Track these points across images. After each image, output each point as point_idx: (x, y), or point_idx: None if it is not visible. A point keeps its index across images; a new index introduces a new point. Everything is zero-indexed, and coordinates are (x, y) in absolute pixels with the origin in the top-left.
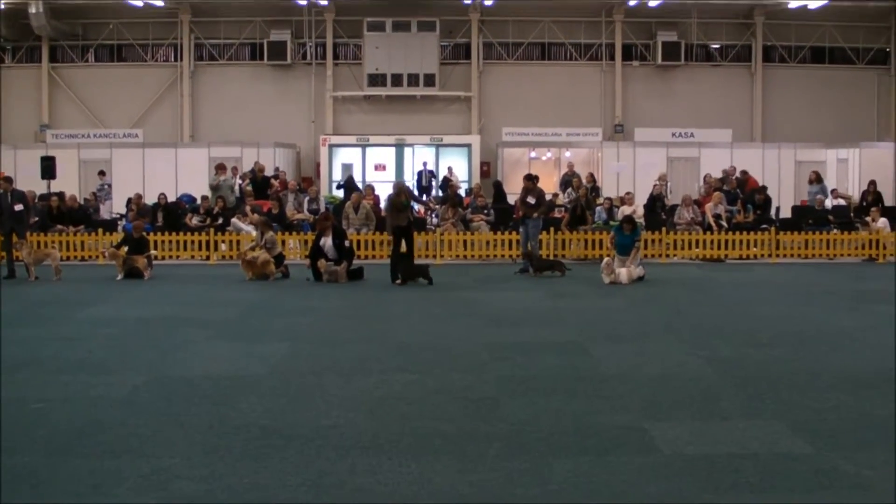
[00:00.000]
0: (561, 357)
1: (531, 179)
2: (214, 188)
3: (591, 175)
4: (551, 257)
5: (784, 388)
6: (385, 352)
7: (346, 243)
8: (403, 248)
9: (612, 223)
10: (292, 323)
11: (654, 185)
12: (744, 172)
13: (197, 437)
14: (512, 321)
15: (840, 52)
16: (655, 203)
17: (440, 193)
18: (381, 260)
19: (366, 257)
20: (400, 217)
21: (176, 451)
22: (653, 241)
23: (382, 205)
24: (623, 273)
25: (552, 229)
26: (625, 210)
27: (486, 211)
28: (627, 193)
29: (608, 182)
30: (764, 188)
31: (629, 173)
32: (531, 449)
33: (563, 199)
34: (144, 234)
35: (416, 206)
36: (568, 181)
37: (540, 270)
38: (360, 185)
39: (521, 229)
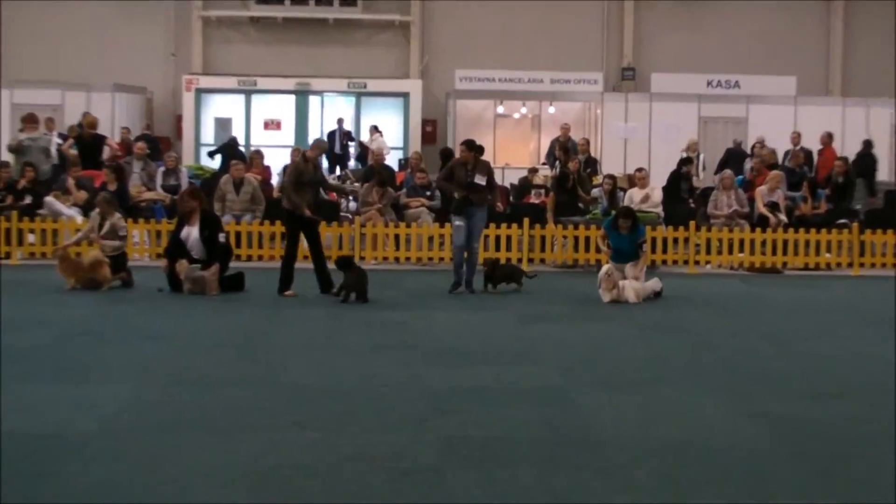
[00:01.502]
0: (534, 410)
1: (473, 149)
2: (18, 150)
3: (586, 141)
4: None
5: (862, 462)
6: (276, 399)
7: (221, 237)
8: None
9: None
10: (136, 354)
11: (680, 158)
12: (828, 137)
13: None
14: (464, 356)
15: None
16: (680, 185)
17: (360, 165)
18: (273, 263)
19: (248, 258)
20: (304, 193)
21: None
22: (675, 241)
23: (276, 181)
24: (630, 288)
25: (526, 222)
26: (633, 196)
27: (428, 193)
28: (639, 170)
29: (611, 152)
30: (845, 164)
31: (642, 139)
32: None
33: (547, 175)
34: None
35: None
36: (567, 147)
37: (498, 281)
38: (243, 151)
39: (455, 222)
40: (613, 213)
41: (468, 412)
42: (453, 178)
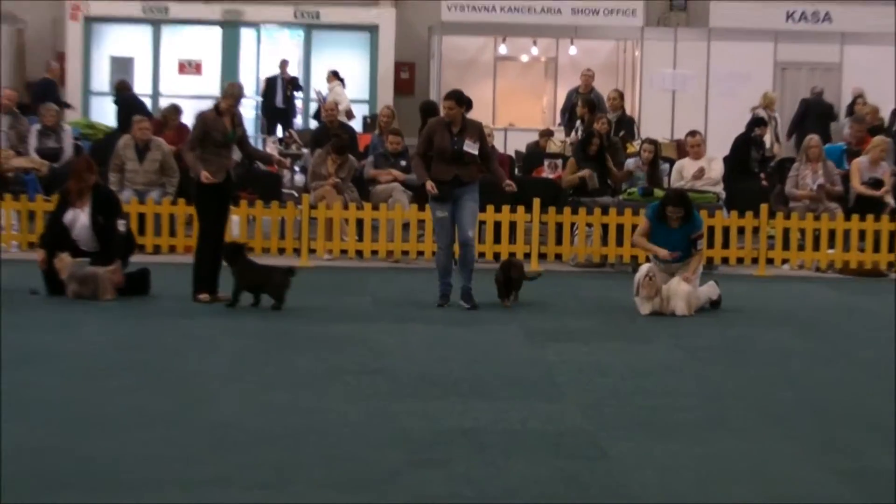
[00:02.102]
0: (549, 462)
1: (460, 102)
2: None
3: (619, 95)
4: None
5: None
6: (193, 445)
7: (121, 225)
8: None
9: (656, 194)
10: None
11: (750, 119)
12: None
13: None
14: (451, 387)
15: None
16: (749, 155)
17: (311, 124)
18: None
19: (156, 250)
20: (214, 157)
21: None
22: (740, 231)
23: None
24: (678, 296)
25: (535, 203)
26: (684, 169)
27: (403, 163)
28: (692, 135)
29: (653, 110)
30: None
31: (696, 92)
32: None
33: (565, 141)
34: None
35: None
36: (593, 102)
37: (519, 287)
38: (147, 105)
39: (437, 213)
40: (656, 193)
41: (456, 464)
42: (432, 148)
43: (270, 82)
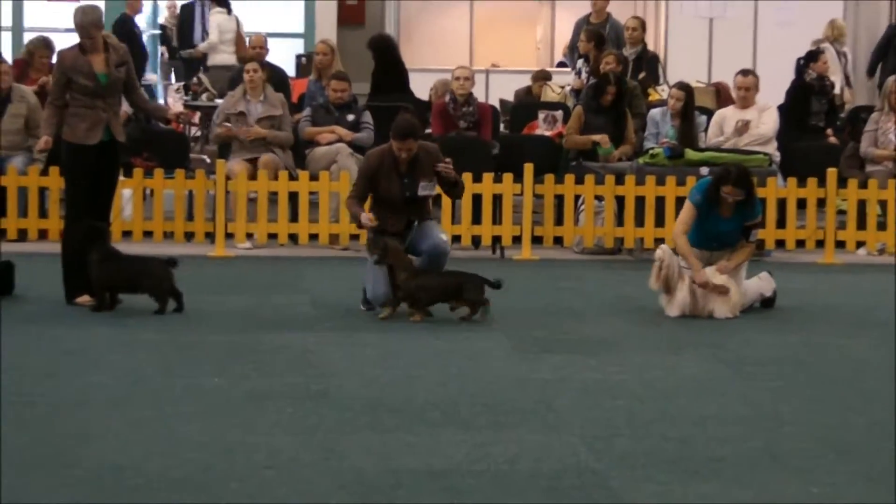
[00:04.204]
0: None
1: (408, 136)
2: None
3: (640, 24)
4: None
5: None
6: (80, 495)
7: None
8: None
9: (688, 156)
10: None
11: (812, 56)
12: None
13: None
14: (416, 414)
15: None
16: (810, 104)
17: (228, 64)
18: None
19: (21, 236)
20: (94, 113)
21: None
22: (800, 205)
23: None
24: (721, 295)
25: (527, 169)
26: (726, 121)
27: (350, 117)
28: (744, 74)
29: (682, 44)
30: None
31: (742, 21)
32: None
33: (567, 86)
34: None
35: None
36: (603, 36)
37: (427, 302)
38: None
39: (373, 258)
40: (688, 155)
41: None
42: (377, 191)
43: (187, 10)
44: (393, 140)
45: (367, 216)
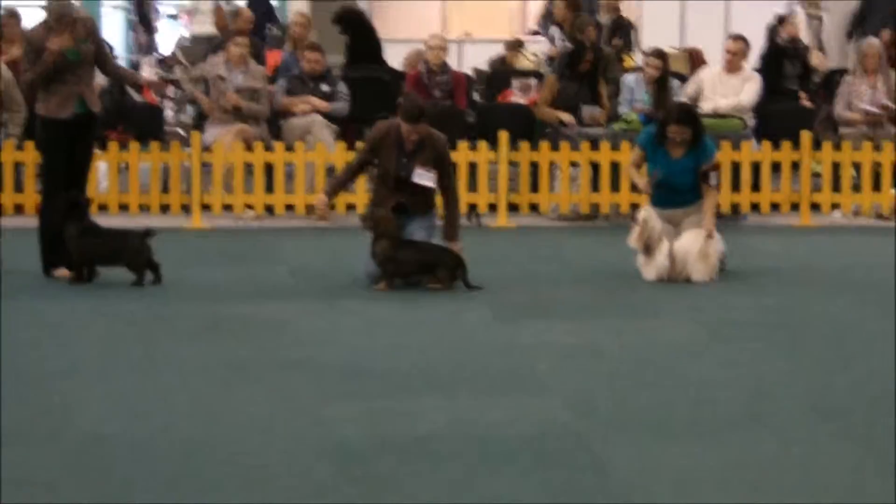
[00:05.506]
0: (528, 474)
1: (417, 119)
2: None
3: None
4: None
5: None
6: (62, 465)
7: None
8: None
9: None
10: None
11: (782, 20)
12: None
13: None
14: (398, 381)
15: None
16: (783, 68)
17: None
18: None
19: None
20: (66, 87)
21: None
22: (775, 168)
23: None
24: (693, 255)
25: (502, 137)
26: (714, 85)
27: (326, 88)
28: (734, 39)
29: (655, 11)
30: None
31: None
32: None
33: (541, 54)
34: None
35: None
36: (578, 2)
37: (405, 273)
38: None
39: None
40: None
41: (406, 481)
42: (379, 160)
43: None
44: (402, 123)
45: (320, 198)
